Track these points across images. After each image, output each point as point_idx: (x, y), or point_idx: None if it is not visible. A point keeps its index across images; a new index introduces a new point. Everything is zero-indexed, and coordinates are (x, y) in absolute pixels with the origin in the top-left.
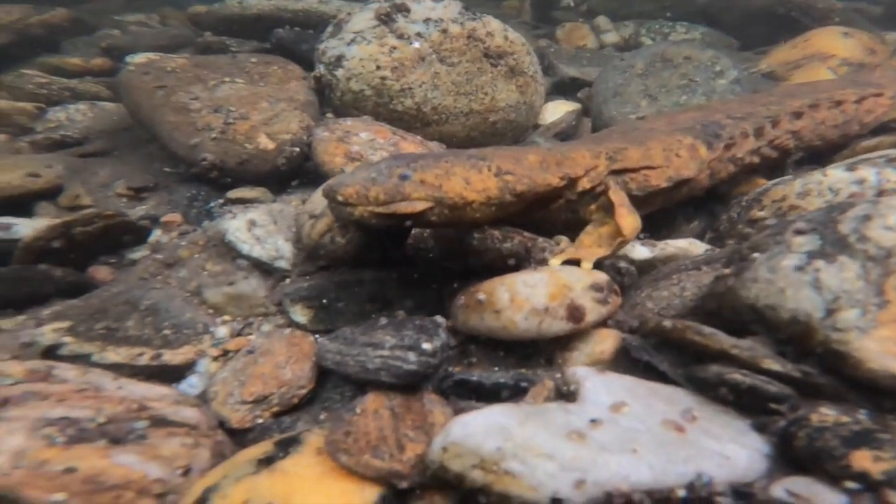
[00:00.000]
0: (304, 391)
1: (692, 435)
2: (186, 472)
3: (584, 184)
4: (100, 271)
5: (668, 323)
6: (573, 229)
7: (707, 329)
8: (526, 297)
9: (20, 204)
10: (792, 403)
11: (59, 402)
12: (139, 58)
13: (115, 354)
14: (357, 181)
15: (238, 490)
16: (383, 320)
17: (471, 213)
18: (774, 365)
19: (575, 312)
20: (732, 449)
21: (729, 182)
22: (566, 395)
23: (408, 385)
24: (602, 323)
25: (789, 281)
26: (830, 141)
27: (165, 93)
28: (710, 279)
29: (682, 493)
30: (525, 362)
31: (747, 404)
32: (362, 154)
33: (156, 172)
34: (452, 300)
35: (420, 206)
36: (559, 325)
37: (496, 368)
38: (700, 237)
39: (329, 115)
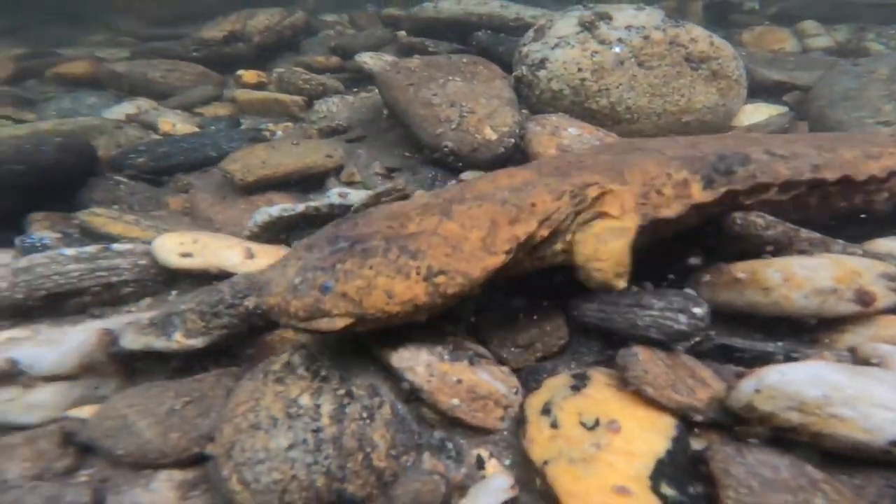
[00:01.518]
0: (562, 341)
1: None
2: (516, 391)
3: (542, 233)
4: None
5: None
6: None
7: None
8: (806, 277)
9: (318, 179)
10: None
11: None
12: (365, 57)
13: None
14: (280, 290)
15: (568, 404)
16: (634, 289)
17: (396, 320)
18: None
19: (864, 297)
20: None
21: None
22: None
23: (669, 343)
24: (892, 310)
25: None
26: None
27: (414, 90)
28: None
29: None
30: (767, 337)
31: None
32: (571, 147)
33: (399, 156)
34: (693, 276)
35: (340, 324)
36: (845, 307)
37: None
38: None
39: (524, 111)
